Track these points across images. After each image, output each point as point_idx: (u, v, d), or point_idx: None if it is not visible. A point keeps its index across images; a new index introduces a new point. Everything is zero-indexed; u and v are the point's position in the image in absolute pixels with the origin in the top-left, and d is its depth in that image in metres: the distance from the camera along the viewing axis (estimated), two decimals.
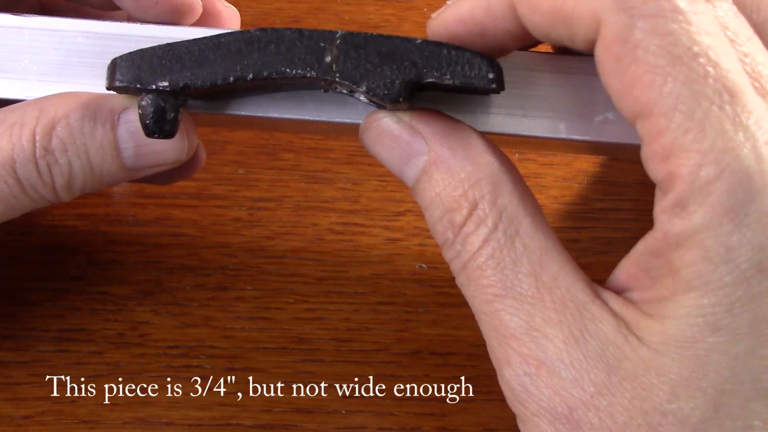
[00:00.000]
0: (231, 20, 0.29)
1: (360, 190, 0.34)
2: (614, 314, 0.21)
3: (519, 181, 0.23)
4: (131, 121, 0.25)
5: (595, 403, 0.20)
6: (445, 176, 0.22)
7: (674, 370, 0.20)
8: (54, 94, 0.25)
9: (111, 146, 0.25)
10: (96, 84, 0.25)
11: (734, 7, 0.21)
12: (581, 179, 0.35)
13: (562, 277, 0.21)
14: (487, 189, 0.22)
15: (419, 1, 0.37)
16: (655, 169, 0.20)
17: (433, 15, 0.24)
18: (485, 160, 0.22)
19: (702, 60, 0.19)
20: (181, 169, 0.28)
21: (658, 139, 0.19)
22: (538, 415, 0.21)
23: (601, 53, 0.20)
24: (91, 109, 0.24)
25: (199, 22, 0.28)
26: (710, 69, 0.19)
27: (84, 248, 0.33)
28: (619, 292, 0.22)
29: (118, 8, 0.27)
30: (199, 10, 0.27)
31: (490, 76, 0.22)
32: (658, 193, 0.21)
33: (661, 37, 0.19)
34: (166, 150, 0.25)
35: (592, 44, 0.21)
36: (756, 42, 0.21)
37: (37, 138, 0.24)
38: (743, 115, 0.19)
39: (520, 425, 0.22)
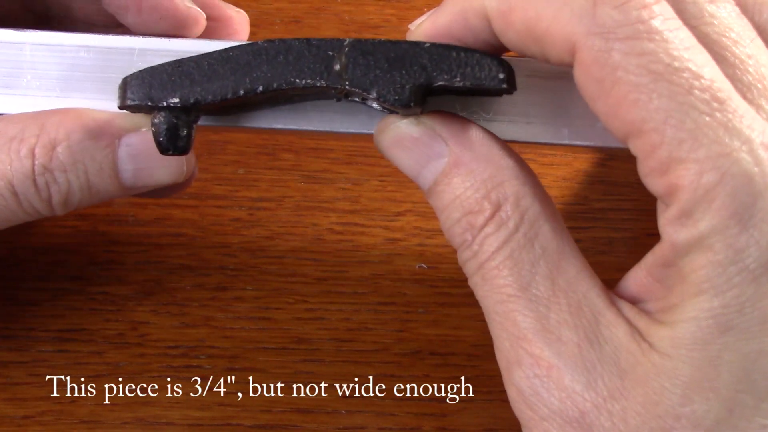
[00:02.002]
0: (241, 24, 0.29)
1: (360, 190, 0.34)
2: (628, 321, 0.21)
3: (539, 184, 0.23)
4: (132, 144, 0.25)
5: (608, 407, 0.20)
6: (466, 178, 0.22)
7: (686, 372, 0.20)
8: (56, 110, 0.25)
9: (111, 168, 0.25)
10: (100, 98, 0.25)
11: (737, 9, 0.21)
12: (581, 179, 0.35)
13: (579, 282, 0.21)
14: (511, 191, 0.22)
15: (419, 1, 0.37)
16: (654, 183, 0.20)
17: (411, 26, 0.24)
18: (507, 162, 0.23)
19: (684, 74, 0.19)
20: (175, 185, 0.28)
21: (654, 154, 0.20)
22: (548, 419, 0.21)
23: (581, 78, 0.20)
24: (93, 130, 0.24)
25: (211, 29, 0.28)
26: (694, 81, 0.19)
27: (84, 248, 0.33)
28: (632, 303, 0.22)
29: (121, 26, 0.27)
30: (204, 22, 0.27)
31: (501, 76, 0.22)
32: (660, 205, 0.21)
33: (639, 56, 0.19)
34: (164, 174, 0.26)
35: (565, 63, 0.21)
36: (759, 43, 0.21)
37: (37, 155, 0.24)
38: (734, 120, 0.19)
39: None
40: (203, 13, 0.27)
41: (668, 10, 0.20)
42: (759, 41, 0.21)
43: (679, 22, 0.20)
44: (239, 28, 0.29)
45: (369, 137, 0.25)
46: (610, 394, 0.20)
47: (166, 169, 0.25)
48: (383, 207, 0.34)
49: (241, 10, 0.29)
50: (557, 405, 0.21)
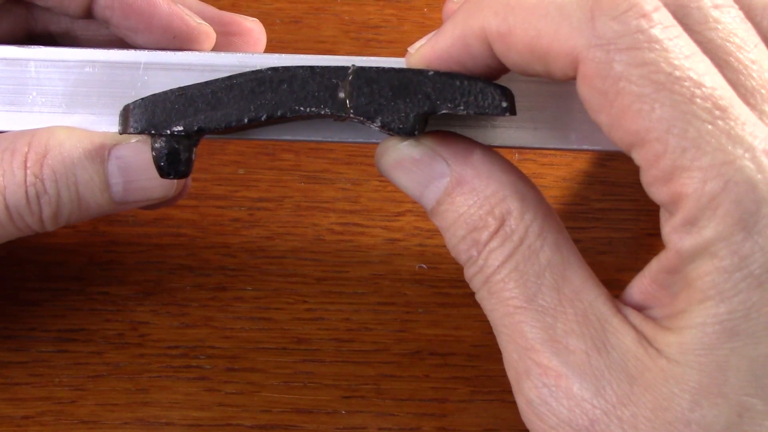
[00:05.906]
0: (259, 34, 0.29)
1: (360, 190, 0.34)
2: (635, 328, 0.21)
3: (541, 197, 0.23)
4: (122, 156, 0.25)
5: (618, 413, 0.20)
6: (469, 196, 0.23)
7: (694, 378, 0.20)
8: (46, 127, 0.25)
9: (101, 180, 0.25)
10: (106, 114, 0.25)
11: (741, 13, 0.21)
12: (581, 179, 0.35)
13: (585, 292, 0.22)
14: (515, 205, 0.22)
15: (419, 1, 0.37)
16: (658, 192, 0.20)
17: (410, 49, 0.24)
18: (508, 178, 0.23)
19: (686, 83, 0.19)
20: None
21: (657, 164, 0.20)
22: (558, 428, 0.21)
23: (584, 90, 0.20)
24: (83, 142, 0.24)
25: (232, 43, 0.27)
26: (695, 89, 0.19)
27: (84, 248, 0.33)
28: (638, 310, 0.22)
29: (129, 45, 0.27)
30: (214, 36, 0.27)
31: (504, 104, 0.22)
32: (664, 214, 0.21)
33: (640, 67, 0.19)
34: (155, 187, 0.25)
35: (570, 78, 0.21)
36: (763, 49, 0.21)
37: (28, 165, 0.24)
38: (737, 128, 0.19)
39: None
40: (212, 28, 0.27)
41: (668, 18, 0.20)
42: (763, 46, 0.21)
43: (679, 29, 0.20)
44: (258, 39, 0.29)
45: (368, 145, 0.25)
46: (619, 400, 0.20)
47: (157, 181, 0.25)
48: (383, 207, 0.34)
49: (256, 20, 0.29)
50: (566, 414, 0.21)
